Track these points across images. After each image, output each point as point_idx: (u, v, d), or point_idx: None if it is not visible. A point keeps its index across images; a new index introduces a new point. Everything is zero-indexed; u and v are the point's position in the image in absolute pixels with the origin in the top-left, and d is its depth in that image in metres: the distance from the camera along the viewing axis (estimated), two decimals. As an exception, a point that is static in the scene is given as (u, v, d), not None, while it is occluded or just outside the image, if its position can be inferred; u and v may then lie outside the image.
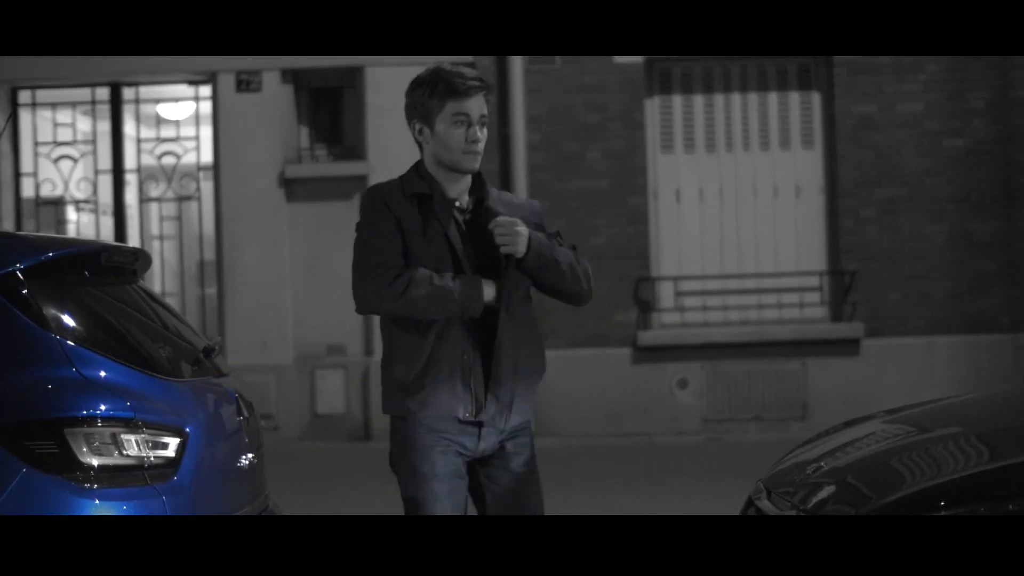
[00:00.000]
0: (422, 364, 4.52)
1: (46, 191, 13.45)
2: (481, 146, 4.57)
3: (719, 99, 13.25)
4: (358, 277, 4.53)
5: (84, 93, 13.43)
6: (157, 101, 13.61)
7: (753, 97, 13.24)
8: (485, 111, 4.57)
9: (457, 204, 4.62)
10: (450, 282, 4.47)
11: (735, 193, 13.20)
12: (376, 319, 13.32)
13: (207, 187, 13.41)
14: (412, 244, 4.52)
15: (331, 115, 13.40)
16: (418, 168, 4.64)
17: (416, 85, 4.59)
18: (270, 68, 13.04)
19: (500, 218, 4.54)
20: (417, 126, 4.59)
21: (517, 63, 12.79)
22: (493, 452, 4.65)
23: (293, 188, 13.13)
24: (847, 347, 12.97)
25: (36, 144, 13.46)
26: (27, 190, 13.47)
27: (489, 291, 4.51)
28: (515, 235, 4.49)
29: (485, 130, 4.58)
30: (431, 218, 4.54)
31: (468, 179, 4.65)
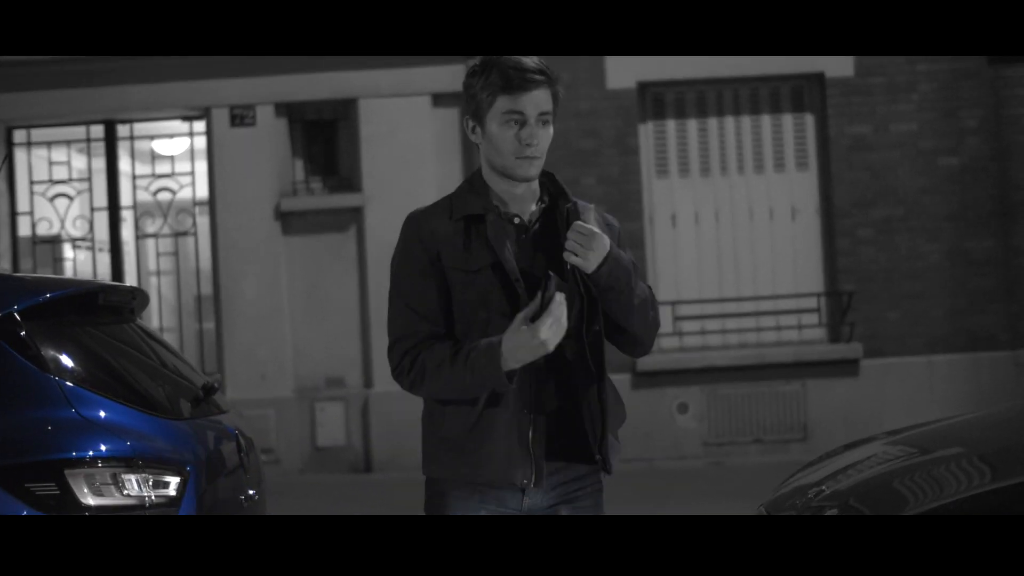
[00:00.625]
0: (474, 421, 3.82)
1: (42, 230, 13.45)
2: (538, 149, 3.83)
3: (712, 123, 13.27)
4: (388, 346, 3.94)
5: (79, 131, 13.45)
6: (152, 137, 13.63)
7: (746, 120, 13.26)
8: (548, 107, 3.84)
9: (517, 220, 3.91)
10: (462, 366, 3.74)
11: (731, 216, 13.21)
12: (376, 350, 13.17)
13: (203, 222, 13.42)
14: (454, 282, 3.84)
15: (325, 147, 13.41)
16: (472, 179, 3.96)
17: (470, 74, 3.89)
18: (264, 102, 13.07)
19: (582, 224, 3.80)
20: (470, 124, 3.90)
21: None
22: (544, 513, 3.92)
23: (289, 221, 13.14)
24: (846, 368, 12.96)
25: (32, 183, 13.45)
26: (23, 229, 13.47)
27: (517, 354, 3.69)
28: (590, 242, 3.78)
29: (549, 128, 3.86)
30: (481, 247, 3.84)
31: (534, 187, 3.94)
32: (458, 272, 3.83)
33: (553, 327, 3.67)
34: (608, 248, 3.82)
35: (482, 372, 3.72)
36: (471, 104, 3.87)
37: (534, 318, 3.68)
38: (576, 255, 3.77)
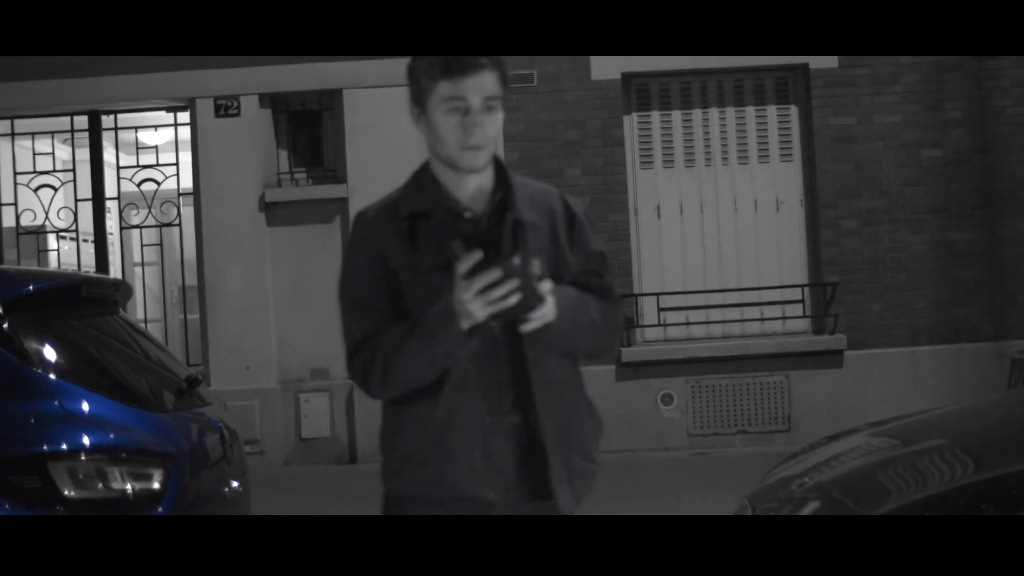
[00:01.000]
0: (433, 430, 3.51)
1: (26, 220, 13.40)
2: (484, 138, 3.49)
3: (697, 114, 13.27)
4: (347, 358, 3.65)
5: (63, 122, 13.40)
6: (136, 128, 13.59)
7: (731, 112, 13.26)
8: (495, 91, 3.49)
9: (468, 215, 3.56)
10: (421, 332, 3.43)
11: (715, 208, 13.22)
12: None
13: (188, 213, 13.39)
14: (405, 284, 3.51)
15: (310, 138, 13.39)
16: (420, 172, 3.64)
17: (413, 57, 3.57)
18: (248, 92, 13.03)
19: (519, 280, 3.32)
20: (415, 111, 3.58)
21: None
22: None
23: (274, 212, 13.12)
24: (830, 359, 12.98)
25: (16, 173, 13.40)
26: (7, 220, 13.42)
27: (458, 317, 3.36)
28: (542, 300, 3.36)
29: (497, 114, 3.51)
30: (429, 247, 3.50)
31: (486, 176, 3.60)
32: (408, 273, 3.51)
33: (469, 295, 3.31)
34: (553, 300, 3.40)
35: (438, 331, 3.39)
36: (413, 89, 3.56)
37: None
38: (536, 319, 3.37)
